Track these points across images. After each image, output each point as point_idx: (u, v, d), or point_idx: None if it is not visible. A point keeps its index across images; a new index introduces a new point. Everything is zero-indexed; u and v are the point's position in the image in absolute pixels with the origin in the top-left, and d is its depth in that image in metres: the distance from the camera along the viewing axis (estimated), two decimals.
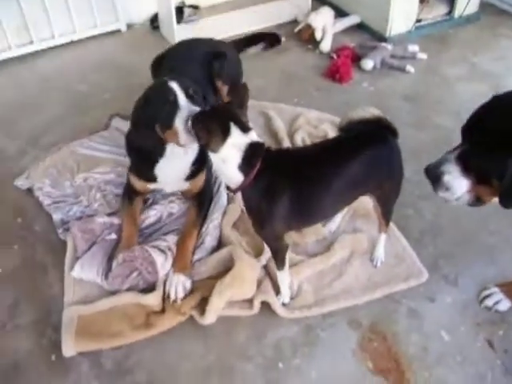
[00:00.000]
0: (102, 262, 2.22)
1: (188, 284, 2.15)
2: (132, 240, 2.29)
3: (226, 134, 1.76)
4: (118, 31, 4.08)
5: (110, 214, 2.47)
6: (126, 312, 2.09)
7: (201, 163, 2.39)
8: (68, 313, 2.09)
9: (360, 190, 2.01)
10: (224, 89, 2.80)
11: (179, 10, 3.97)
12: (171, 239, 2.31)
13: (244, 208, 1.96)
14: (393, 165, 2.00)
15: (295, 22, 4.09)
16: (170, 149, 2.21)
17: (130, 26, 4.13)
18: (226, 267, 2.18)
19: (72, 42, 3.94)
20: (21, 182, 2.70)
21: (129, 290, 2.15)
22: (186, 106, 2.03)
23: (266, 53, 3.76)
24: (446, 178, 1.68)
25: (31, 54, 3.82)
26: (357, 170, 1.88)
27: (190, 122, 1.89)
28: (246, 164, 1.79)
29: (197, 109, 1.99)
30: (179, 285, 2.13)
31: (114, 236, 2.35)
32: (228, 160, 1.79)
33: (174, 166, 2.31)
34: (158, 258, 2.19)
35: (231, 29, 3.98)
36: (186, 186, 2.43)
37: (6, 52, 3.75)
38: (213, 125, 1.77)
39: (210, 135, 1.76)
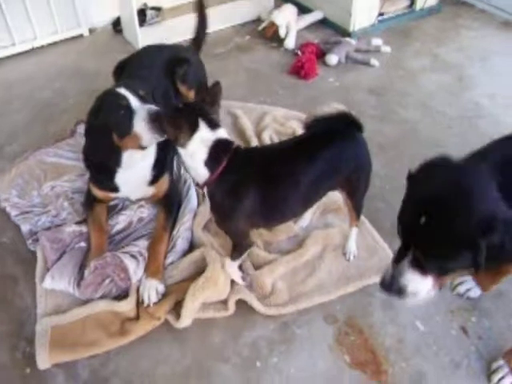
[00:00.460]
0: (73, 272, 2.19)
1: (161, 288, 2.13)
2: (102, 247, 2.26)
3: (193, 129, 1.80)
4: (81, 36, 4.03)
5: (78, 223, 2.44)
6: (100, 320, 2.07)
7: (161, 166, 2.38)
8: (41, 324, 2.06)
9: (328, 185, 2.03)
10: (190, 93, 2.79)
11: (142, 13, 3.96)
12: (142, 244, 2.29)
13: (209, 203, 1.98)
14: (360, 159, 2.01)
15: (259, 20, 4.09)
16: (127, 156, 2.18)
17: (92, 31, 4.08)
18: (199, 269, 2.17)
19: (33, 49, 3.88)
20: None
21: (102, 297, 2.13)
22: (140, 108, 2.03)
23: (231, 52, 3.76)
24: (411, 287, 1.57)
25: None
26: (323, 166, 1.90)
27: (151, 119, 1.92)
28: (211, 160, 1.83)
29: (153, 107, 2.00)
30: (152, 289, 2.11)
31: (83, 244, 2.33)
32: (195, 155, 1.83)
33: (133, 174, 2.28)
34: (130, 264, 2.17)
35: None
36: (150, 191, 2.40)
37: None
38: (181, 120, 1.80)
39: (179, 130, 1.80)
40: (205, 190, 1.93)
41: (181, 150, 1.86)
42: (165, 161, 2.40)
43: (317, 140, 1.95)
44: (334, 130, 1.95)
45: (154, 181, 2.37)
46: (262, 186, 1.87)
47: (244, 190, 1.86)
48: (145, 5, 4.05)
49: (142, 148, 2.07)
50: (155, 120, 1.96)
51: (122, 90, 2.08)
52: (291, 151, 1.95)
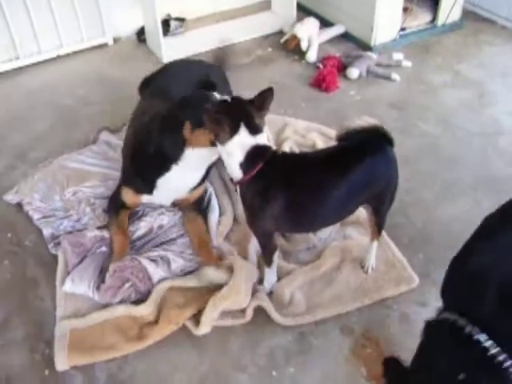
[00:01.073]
0: (93, 276, 2.22)
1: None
2: (124, 251, 2.29)
3: (234, 131, 1.83)
4: (105, 45, 4.08)
5: (100, 228, 2.47)
6: (119, 324, 2.09)
7: (206, 174, 2.41)
8: (60, 327, 2.09)
9: (358, 200, 2.01)
10: None
11: (165, 23, 4.01)
12: (163, 250, 2.31)
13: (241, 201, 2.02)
14: (390, 174, 2.00)
15: (281, 32, 4.11)
16: (189, 154, 2.17)
17: (116, 40, 4.14)
18: (221, 279, 2.19)
19: (58, 57, 3.94)
20: (10, 197, 2.69)
21: (121, 302, 2.15)
22: None
23: (254, 63, 3.79)
24: None
25: (17, 69, 3.81)
26: (355, 180, 1.90)
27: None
28: (247, 163, 1.86)
29: None
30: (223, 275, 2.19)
31: (104, 249, 2.35)
32: (232, 156, 1.87)
33: (181, 176, 2.28)
34: (149, 265, 2.19)
35: (217, 41, 4.00)
36: (183, 196, 2.42)
37: None
38: (223, 119, 1.83)
39: (219, 128, 1.84)
40: (237, 187, 1.96)
41: (219, 146, 1.90)
42: (209, 173, 2.44)
43: (349, 153, 1.94)
44: (366, 143, 1.93)
45: (193, 189, 2.40)
46: (290, 192, 1.88)
47: (273, 193, 1.88)
48: (169, 15, 4.11)
49: (212, 144, 2.03)
50: None
51: (210, 93, 2.15)
52: (323, 162, 1.96)
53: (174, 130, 2.14)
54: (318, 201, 1.90)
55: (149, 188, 2.35)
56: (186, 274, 2.29)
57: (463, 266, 1.58)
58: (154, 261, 2.24)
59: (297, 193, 1.90)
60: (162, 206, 2.54)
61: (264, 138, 1.90)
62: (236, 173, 1.89)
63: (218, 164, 2.46)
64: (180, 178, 2.30)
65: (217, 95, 2.13)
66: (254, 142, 1.85)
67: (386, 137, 1.95)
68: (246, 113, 1.87)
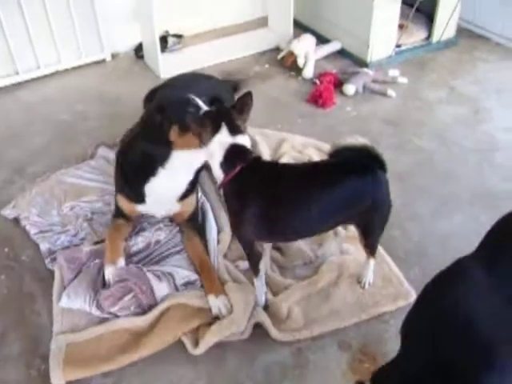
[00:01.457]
0: (87, 289, 2.21)
1: (227, 301, 2.17)
2: (117, 253, 2.29)
3: (215, 131, 1.91)
4: (103, 61, 4.10)
5: (96, 243, 2.47)
6: (116, 337, 2.09)
7: (194, 183, 2.42)
8: (56, 341, 2.08)
9: (338, 217, 2.02)
10: None
11: (163, 39, 4.03)
12: (161, 266, 2.32)
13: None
14: (376, 197, 1.97)
15: (278, 49, 4.15)
16: (175, 157, 2.19)
17: (114, 56, 4.16)
18: None
19: (57, 72, 3.95)
20: (7, 212, 2.69)
21: (119, 312, 2.15)
22: (207, 110, 2.11)
23: (250, 80, 3.81)
24: None
25: (16, 85, 3.83)
26: (335, 197, 1.92)
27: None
28: (226, 163, 1.92)
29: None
30: (223, 305, 2.15)
31: (97, 261, 2.34)
32: (213, 156, 1.94)
33: (168, 182, 2.29)
34: (153, 279, 2.19)
35: (215, 57, 4.05)
36: (176, 208, 2.43)
37: None
38: (206, 120, 1.92)
39: (203, 128, 1.91)
40: (221, 191, 2.03)
41: (204, 149, 1.97)
42: (197, 179, 2.44)
43: (334, 169, 1.96)
44: (355, 162, 1.94)
45: (183, 196, 2.40)
46: (266, 200, 1.92)
47: (249, 199, 1.92)
48: (166, 32, 4.13)
49: (202, 145, 2.05)
50: None
51: (190, 95, 2.19)
52: (306, 174, 1.99)
53: (158, 133, 2.16)
54: (294, 211, 1.93)
55: (138, 195, 2.35)
56: (190, 283, 2.29)
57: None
58: (157, 276, 2.24)
59: (273, 200, 1.92)
60: (159, 222, 2.54)
61: (244, 140, 1.96)
62: (218, 174, 1.96)
63: (212, 178, 2.47)
64: (167, 184, 2.30)
65: (197, 99, 2.17)
66: (232, 140, 1.92)
67: (378, 159, 1.95)
68: (227, 115, 1.95)
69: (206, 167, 2.35)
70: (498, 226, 1.44)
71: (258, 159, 1.99)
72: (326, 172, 1.98)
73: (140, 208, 2.41)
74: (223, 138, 1.91)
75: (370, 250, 2.16)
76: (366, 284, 2.26)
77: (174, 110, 2.13)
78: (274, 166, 2.11)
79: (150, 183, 2.30)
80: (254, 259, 2.11)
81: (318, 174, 1.98)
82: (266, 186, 1.93)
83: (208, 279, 2.26)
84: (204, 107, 2.13)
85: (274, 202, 1.92)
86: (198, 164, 2.29)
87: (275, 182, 1.94)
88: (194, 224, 2.47)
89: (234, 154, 1.92)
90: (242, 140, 1.95)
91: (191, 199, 2.45)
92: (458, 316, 1.32)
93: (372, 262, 2.23)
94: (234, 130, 1.93)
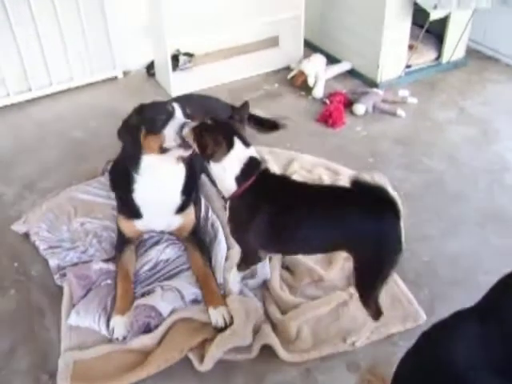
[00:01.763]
0: (97, 309, 2.21)
1: (227, 312, 2.18)
2: (127, 298, 2.26)
3: (230, 146, 1.92)
4: (115, 78, 4.15)
5: (106, 260, 2.47)
6: (123, 355, 2.09)
7: (189, 194, 2.44)
8: (64, 358, 2.08)
9: (335, 245, 2.02)
10: None
11: (175, 58, 4.07)
12: (171, 281, 2.32)
13: (227, 214, 2.10)
14: (378, 239, 1.87)
15: (288, 68, 4.17)
16: (146, 161, 2.25)
17: (126, 73, 4.20)
18: None
19: (69, 89, 4.00)
20: (18, 227, 2.71)
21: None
22: (181, 118, 2.17)
23: (261, 99, 3.84)
24: None
25: (29, 101, 3.87)
26: (335, 224, 1.93)
27: (189, 133, 2.02)
28: (242, 175, 1.94)
29: (190, 122, 2.10)
30: (221, 317, 2.16)
31: (109, 282, 2.35)
32: (228, 170, 1.94)
33: (153, 190, 2.32)
34: (156, 303, 2.19)
35: (225, 76, 4.08)
36: (176, 222, 2.45)
37: (4, 99, 3.80)
38: (219, 137, 1.91)
39: (216, 146, 1.91)
40: (227, 203, 2.05)
41: (213, 164, 1.96)
42: (192, 190, 2.47)
43: (342, 199, 1.94)
44: (367, 198, 1.85)
45: (181, 209, 2.42)
46: (274, 213, 1.94)
47: (258, 209, 1.95)
48: (178, 50, 4.17)
49: (162, 151, 2.17)
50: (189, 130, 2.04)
51: (175, 103, 2.24)
52: (312, 195, 1.99)
53: (131, 136, 2.24)
54: (295, 228, 1.95)
55: (132, 208, 2.38)
56: (198, 301, 2.29)
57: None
58: (164, 291, 2.25)
59: (279, 214, 1.94)
60: (166, 240, 2.54)
61: (255, 151, 2.00)
62: (230, 187, 1.97)
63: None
64: (153, 192, 2.33)
65: (176, 105, 2.21)
66: (249, 153, 1.96)
67: (391, 203, 1.83)
68: (234, 128, 1.98)
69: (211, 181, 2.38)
70: (500, 281, 1.43)
71: (267, 170, 2.02)
72: (332, 199, 1.97)
73: (139, 225, 2.43)
74: (240, 152, 1.94)
75: (359, 292, 2.02)
76: (353, 343, 2.12)
77: (148, 113, 2.21)
78: (286, 181, 2.11)
79: (135, 192, 2.34)
80: (250, 263, 2.20)
81: (323, 198, 1.97)
82: (275, 201, 1.96)
83: (208, 291, 2.27)
84: (179, 116, 2.17)
85: (282, 215, 1.94)
86: (180, 176, 2.35)
87: (286, 198, 1.97)
88: (194, 238, 2.48)
89: (250, 166, 1.95)
90: (254, 151, 1.99)
91: (189, 212, 2.47)
92: (450, 370, 1.31)
93: (369, 323, 2.11)
94: (246, 142, 1.97)
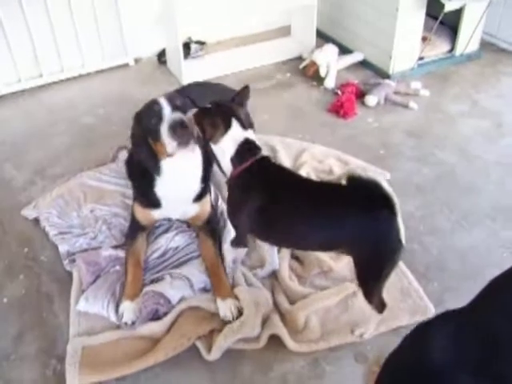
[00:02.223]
0: (106, 295, 2.22)
1: (236, 303, 2.17)
2: (137, 283, 2.26)
3: (227, 127, 1.98)
4: (126, 65, 4.15)
5: (115, 247, 2.48)
6: (132, 342, 2.10)
7: (206, 183, 2.45)
8: (73, 344, 2.09)
9: (329, 244, 1.99)
10: None
11: (186, 46, 4.06)
12: (180, 269, 2.32)
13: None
14: (378, 240, 1.84)
15: (300, 58, 4.15)
16: (166, 164, 2.24)
17: (137, 61, 4.21)
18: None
19: (80, 76, 4.01)
20: (28, 212, 2.72)
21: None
22: (168, 117, 2.14)
23: (272, 88, 3.83)
24: None
25: (40, 87, 3.88)
26: (324, 220, 1.91)
27: (191, 118, 2.06)
28: (237, 157, 2.00)
29: (179, 115, 2.10)
30: (230, 308, 2.15)
31: (118, 268, 2.36)
32: (224, 151, 2.01)
33: (175, 184, 2.32)
34: (165, 290, 2.19)
35: (236, 65, 4.07)
36: (193, 210, 2.44)
37: (15, 84, 3.81)
38: (217, 119, 1.98)
39: (215, 128, 1.98)
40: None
41: (213, 146, 2.03)
42: (209, 176, 2.47)
43: (336, 197, 1.92)
44: (362, 194, 1.81)
45: (199, 197, 2.42)
46: (265, 200, 1.96)
47: (252, 194, 1.98)
48: (189, 38, 4.17)
49: (169, 156, 2.16)
50: (180, 127, 2.07)
51: (161, 100, 2.19)
52: (306, 190, 1.98)
53: (142, 146, 2.23)
54: (285, 221, 1.96)
55: (152, 200, 2.37)
56: (207, 290, 2.29)
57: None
58: (173, 279, 2.25)
59: (270, 203, 1.95)
60: (176, 228, 2.55)
61: (253, 134, 2.05)
62: (227, 168, 2.03)
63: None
64: (174, 187, 2.33)
65: (163, 103, 2.17)
66: (244, 135, 2.01)
67: (387, 199, 1.78)
68: (232, 110, 2.03)
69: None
70: (488, 283, 1.41)
71: (266, 158, 2.05)
72: (332, 194, 1.94)
73: (156, 214, 2.43)
74: (236, 133, 1.99)
75: (363, 290, 1.98)
76: (361, 334, 2.11)
77: (145, 122, 2.19)
78: (282, 170, 2.12)
79: (157, 187, 2.34)
80: (241, 244, 2.26)
81: (323, 193, 1.96)
82: (270, 188, 1.98)
83: (217, 282, 2.27)
84: (167, 113, 2.14)
85: (274, 205, 1.96)
86: (198, 166, 2.35)
87: (280, 188, 1.99)
88: (209, 226, 2.48)
89: (245, 148, 2.00)
90: (251, 135, 2.03)
91: (206, 200, 2.47)
92: (426, 369, 1.30)
93: (375, 315, 2.07)
94: (244, 124, 2.02)
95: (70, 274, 2.39)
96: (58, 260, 2.47)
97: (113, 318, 2.17)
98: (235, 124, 1.98)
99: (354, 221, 1.84)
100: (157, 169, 2.26)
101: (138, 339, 2.11)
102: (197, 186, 2.40)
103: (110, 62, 4.08)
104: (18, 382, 2.03)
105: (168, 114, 2.14)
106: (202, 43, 4.22)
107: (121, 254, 2.41)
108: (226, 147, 1.99)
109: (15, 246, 2.58)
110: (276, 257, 2.35)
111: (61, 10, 3.73)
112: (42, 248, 2.56)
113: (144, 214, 2.43)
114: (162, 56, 4.17)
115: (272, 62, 4.18)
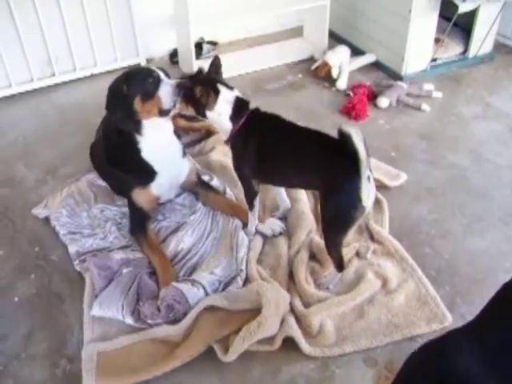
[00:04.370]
0: (120, 298, 2.20)
1: (279, 222, 2.54)
2: (169, 270, 2.32)
3: (217, 93, 2.19)
4: (138, 65, 4.14)
5: (124, 248, 2.48)
6: (147, 346, 2.07)
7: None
8: (87, 350, 2.06)
9: (309, 182, 2.25)
10: None
11: (198, 46, 4.07)
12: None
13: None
14: (337, 190, 2.04)
15: (312, 59, 4.15)
16: (148, 123, 2.38)
17: (149, 61, 4.21)
18: (255, 303, 2.13)
19: (92, 76, 4.02)
20: (39, 211, 2.73)
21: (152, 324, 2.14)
22: (167, 80, 2.35)
23: (284, 89, 3.82)
24: None
25: (52, 86, 3.90)
26: (306, 164, 2.13)
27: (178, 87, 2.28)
28: (234, 114, 2.23)
29: (173, 82, 2.32)
30: (270, 227, 2.50)
31: (130, 269, 2.34)
32: (222, 113, 2.22)
33: (159, 141, 2.47)
34: (185, 288, 2.17)
35: (248, 65, 4.06)
36: (185, 167, 2.63)
37: (27, 84, 3.83)
38: (207, 88, 2.18)
39: (207, 97, 2.18)
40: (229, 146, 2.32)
41: (209, 113, 2.23)
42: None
43: (321, 144, 2.12)
44: (341, 145, 1.95)
45: (184, 153, 2.63)
46: (260, 145, 2.21)
47: (251, 141, 2.22)
48: (202, 38, 4.17)
49: (162, 113, 2.33)
50: (181, 88, 2.27)
51: (154, 67, 2.39)
52: (293, 134, 2.22)
53: (125, 105, 2.33)
54: (277, 160, 2.21)
55: (146, 171, 2.47)
56: (226, 285, 2.28)
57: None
58: (193, 285, 2.23)
59: (263, 146, 2.21)
60: (184, 227, 2.55)
61: (238, 92, 2.28)
62: (227, 127, 2.24)
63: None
64: (160, 144, 2.48)
65: (159, 71, 2.36)
66: (234, 94, 2.24)
67: (356, 158, 1.91)
68: (214, 78, 2.27)
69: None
70: (496, 295, 1.39)
71: (258, 109, 2.29)
72: (318, 141, 2.14)
73: (155, 189, 2.50)
74: (227, 96, 2.22)
75: (328, 248, 2.22)
76: (325, 286, 2.30)
77: (136, 81, 2.32)
78: (272, 118, 2.30)
79: (143, 151, 2.45)
80: (250, 195, 2.41)
81: (310, 138, 2.17)
82: (266, 130, 2.23)
83: (244, 213, 2.51)
84: (165, 78, 2.34)
85: (266, 145, 2.21)
86: (171, 127, 2.54)
87: (272, 130, 2.24)
88: (204, 183, 2.72)
89: (239, 105, 2.23)
90: (238, 92, 2.28)
91: (189, 162, 2.69)
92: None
93: (335, 272, 2.29)
94: (228, 86, 2.25)
95: (80, 274, 2.39)
96: (69, 260, 2.47)
97: (129, 320, 2.15)
98: (222, 88, 2.21)
99: (325, 169, 2.07)
100: (139, 128, 2.38)
101: (152, 343, 2.08)
102: (178, 143, 2.59)
103: (122, 62, 4.08)
104: (28, 380, 2.03)
105: (165, 79, 2.34)
106: (214, 43, 4.22)
107: (131, 256, 2.41)
108: (222, 109, 2.21)
109: (26, 245, 2.59)
110: (285, 197, 2.61)
111: (74, 10, 3.74)
112: (53, 247, 2.56)
113: (144, 194, 2.48)
114: (174, 56, 4.18)
115: (284, 62, 4.17)
